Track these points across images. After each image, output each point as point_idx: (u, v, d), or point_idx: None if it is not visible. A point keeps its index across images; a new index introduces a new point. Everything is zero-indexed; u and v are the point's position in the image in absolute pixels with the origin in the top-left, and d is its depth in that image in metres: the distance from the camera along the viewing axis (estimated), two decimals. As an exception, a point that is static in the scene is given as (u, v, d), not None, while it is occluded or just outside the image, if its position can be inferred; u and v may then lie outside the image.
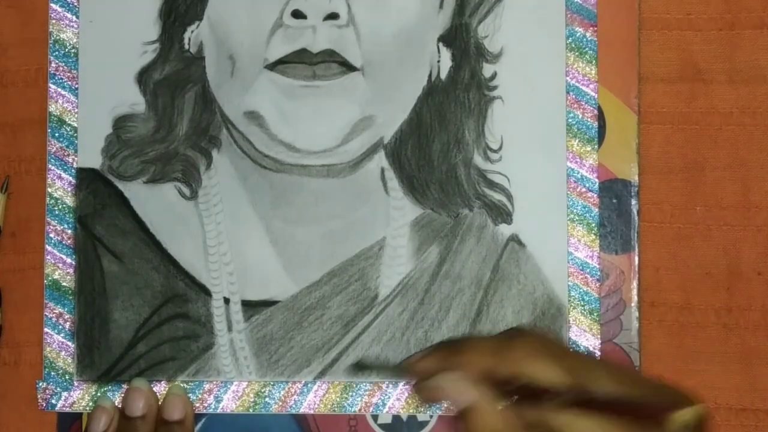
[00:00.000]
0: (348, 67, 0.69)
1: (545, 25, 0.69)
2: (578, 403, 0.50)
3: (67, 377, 0.69)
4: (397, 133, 0.70)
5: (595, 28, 0.69)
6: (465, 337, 0.60)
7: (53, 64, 0.70)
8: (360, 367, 0.68)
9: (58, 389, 0.69)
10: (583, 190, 0.69)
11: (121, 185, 0.70)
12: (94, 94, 0.70)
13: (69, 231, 0.70)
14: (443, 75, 0.69)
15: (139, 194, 0.70)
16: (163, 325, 0.69)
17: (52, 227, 0.70)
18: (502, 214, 0.69)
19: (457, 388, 0.53)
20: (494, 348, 0.53)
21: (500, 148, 0.69)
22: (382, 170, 0.70)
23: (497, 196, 0.69)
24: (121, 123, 0.70)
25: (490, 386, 0.52)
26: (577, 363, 0.53)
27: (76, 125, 0.70)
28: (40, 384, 0.69)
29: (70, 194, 0.70)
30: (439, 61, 0.70)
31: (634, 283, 0.69)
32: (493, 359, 0.53)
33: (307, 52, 0.69)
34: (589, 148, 0.69)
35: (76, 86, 0.70)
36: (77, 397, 0.69)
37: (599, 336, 0.68)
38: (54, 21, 0.71)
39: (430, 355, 0.56)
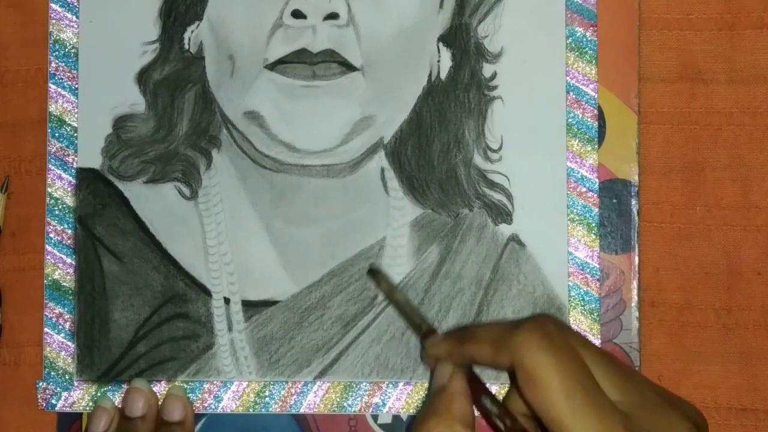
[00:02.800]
0: (348, 67, 0.69)
1: (545, 25, 0.69)
2: None
3: (67, 377, 0.69)
4: (397, 133, 0.69)
5: (595, 28, 0.69)
6: (472, 326, 0.60)
7: (53, 64, 0.70)
8: (374, 273, 0.68)
9: (58, 389, 0.69)
10: (583, 190, 0.69)
11: (121, 185, 0.70)
12: (94, 94, 0.70)
13: (69, 231, 0.70)
14: (443, 75, 0.69)
15: (139, 194, 0.70)
16: (163, 325, 0.69)
17: (52, 227, 0.70)
18: (502, 214, 0.69)
19: (445, 380, 0.58)
20: (494, 339, 0.56)
21: (500, 148, 0.69)
22: (382, 170, 0.69)
23: (497, 196, 0.69)
24: (121, 123, 0.70)
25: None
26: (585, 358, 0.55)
27: (76, 125, 0.70)
28: (40, 384, 0.69)
29: (70, 194, 0.70)
30: (439, 61, 0.69)
31: (634, 283, 0.69)
32: (492, 351, 0.56)
33: (307, 52, 0.69)
34: (589, 148, 0.69)
35: (76, 86, 0.70)
36: (77, 397, 0.69)
37: (599, 336, 0.68)
38: (54, 21, 0.71)
39: (444, 341, 0.61)
